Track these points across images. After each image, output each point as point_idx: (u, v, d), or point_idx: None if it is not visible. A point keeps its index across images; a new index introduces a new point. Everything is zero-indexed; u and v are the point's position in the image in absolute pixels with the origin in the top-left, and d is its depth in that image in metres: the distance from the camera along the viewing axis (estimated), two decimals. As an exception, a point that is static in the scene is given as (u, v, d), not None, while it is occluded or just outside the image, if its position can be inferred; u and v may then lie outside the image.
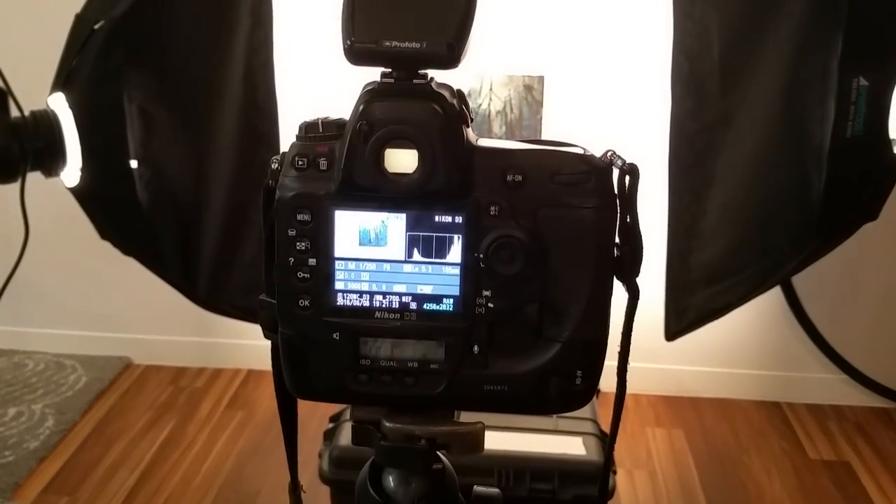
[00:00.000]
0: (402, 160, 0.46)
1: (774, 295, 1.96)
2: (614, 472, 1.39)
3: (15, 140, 1.28)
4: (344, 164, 0.47)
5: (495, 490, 0.59)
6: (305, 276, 0.49)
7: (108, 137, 1.41)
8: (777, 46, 1.28)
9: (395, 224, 0.48)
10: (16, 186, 1.29)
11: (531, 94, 1.77)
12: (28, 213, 1.33)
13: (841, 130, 1.22)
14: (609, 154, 0.49)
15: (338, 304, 0.49)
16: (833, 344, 2.00)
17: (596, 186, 0.48)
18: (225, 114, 1.45)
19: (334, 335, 0.49)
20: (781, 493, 1.71)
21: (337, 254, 0.49)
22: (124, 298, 2.12)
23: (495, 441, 1.32)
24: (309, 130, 0.48)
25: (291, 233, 0.48)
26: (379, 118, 0.46)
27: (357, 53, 0.46)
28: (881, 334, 2.01)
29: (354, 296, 0.49)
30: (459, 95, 0.48)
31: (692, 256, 1.45)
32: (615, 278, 0.50)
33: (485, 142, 0.49)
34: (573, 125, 1.79)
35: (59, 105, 1.34)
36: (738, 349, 2.04)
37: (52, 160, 1.34)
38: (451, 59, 0.46)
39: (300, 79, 1.73)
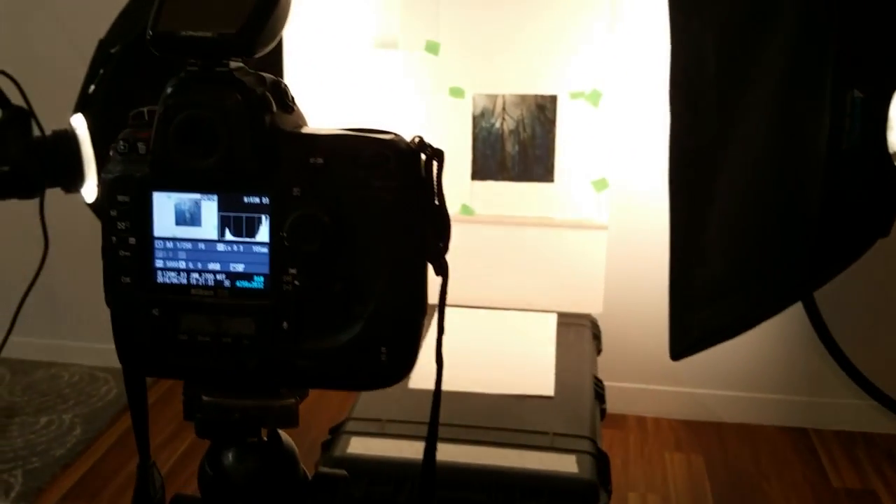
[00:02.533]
0: (201, 143, 0.49)
1: (799, 317, 1.91)
2: (608, 493, 1.37)
3: (34, 157, 1.34)
4: (153, 146, 0.49)
5: (341, 471, 0.60)
6: (126, 254, 0.51)
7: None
8: (772, 60, 1.27)
9: (207, 205, 0.51)
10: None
11: (544, 113, 1.78)
12: (65, 229, 1.40)
13: (836, 143, 1.20)
14: (416, 139, 0.50)
15: (158, 281, 0.52)
16: (861, 368, 1.94)
17: (397, 168, 0.49)
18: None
19: (154, 311, 0.52)
20: (799, 521, 1.66)
21: (156, 233, 0.51)
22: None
23: (486, 456, 1.33)
24: (136, 118, 0.51)
25: (113, 213, 0.51)
26: (179, 103, 0.49)
27: (157, 42, 0.48)
28: (913, 359, 1.95)
29: (172, 273, 0.51)
30: (274, 84, 0.51)
31: (694, 273, 1.44)
32: (427, 260, 0.51)
33: (300, 129, 0.51)
34: (587, 145, 1.79)
35: (80, 125, 1.40)
36: (764, 373, 1.99)
37: (70, 177, 1.40)
38: (243, 46, 0.48)
39: (311, 95, 1.77)
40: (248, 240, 0.51)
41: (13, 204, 1.35)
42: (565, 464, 1.34)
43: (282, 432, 0.57)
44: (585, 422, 1.42)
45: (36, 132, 1.36)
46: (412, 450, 1.33)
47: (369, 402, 1.44)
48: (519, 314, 1.78)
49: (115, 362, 2.00)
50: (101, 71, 1.46)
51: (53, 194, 1.35)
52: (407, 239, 0.50)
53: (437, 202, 0.51)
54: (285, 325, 0.51)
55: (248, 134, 0.49)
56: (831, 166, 1.20)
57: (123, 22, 1.50)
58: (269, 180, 0.50)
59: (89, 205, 1.44)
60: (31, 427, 1.95)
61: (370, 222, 0.50)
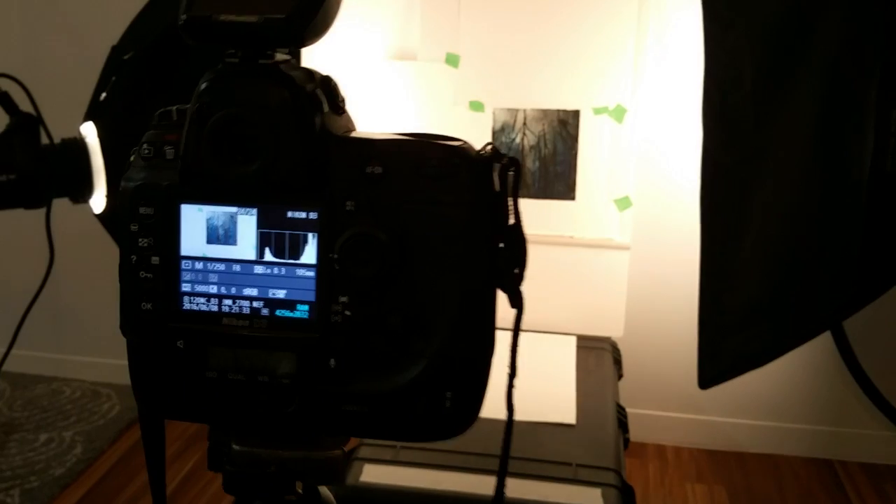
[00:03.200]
0: (241, 147, 0.42)
1: (826, 345, 1.84)
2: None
3: (42, 166, 1.30)
4: (183, 151, 0.43)
5: None
6: (148, 276, 0.45)
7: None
8: (812, 77, 1.22)
9: (245, 220, 0.44)
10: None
11: (566, 129, 1.72)
12: (70, 240, 1.35)
13: (880, 165, 1.14)
14: (488, 147, 0.44)
15: (184, 308, 0.45)
16: (890, 398, 1.87)
17: (468, 181, 0.43)
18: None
19: (178, 343, 0.45)
20: (827, 558, 1.60)
21: (183, 252, 0.45)
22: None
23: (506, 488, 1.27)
24: (162, 118, 0.45)
25: (134, 228, 0.44)
26: (216, 100, 0.42)
27: (190, 27, 0.42)
28: (944, 390, 1.88)
29: (201, 299, 0.45)
30: (324, 81, 0.45)
31: (725, 298, 1.38)
32: (497, 288, 0.45)
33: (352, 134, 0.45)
34: (610, 162, 1.74)
35: (90, 133, 1.36)
36: (788, 402, 1.93)
37: (78, 187, 1.35)
38: (291, 33, 0.42)
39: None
40: (291, 262, 0.44)
41: (18, 213, 1.30)
42: (590, 498, 1.27)
43: (321, 488, 0.50)
44: (610, 452, 1.35)
45: (44, 140, 1.32)
46: (427, 479, 1.27)
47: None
48: (537, 336, 1.72)
49: (117, 378, 1.95)
50: (113, 78, 1.42)
51: (60, 204, 1.31)
52: (478, 264, 0.43)
53: (512, 221, 0.44)
54: (332, 362, 0.44)
55: (295, 137, 0.42)
56: (874, 188, 1.15)
57: (137, 28, 1.46)
58: (318, 192, 0.43)
59: (97, 216, 1.39)
60: (30, 444, 1.89)
61: (435, 242, 0.43)
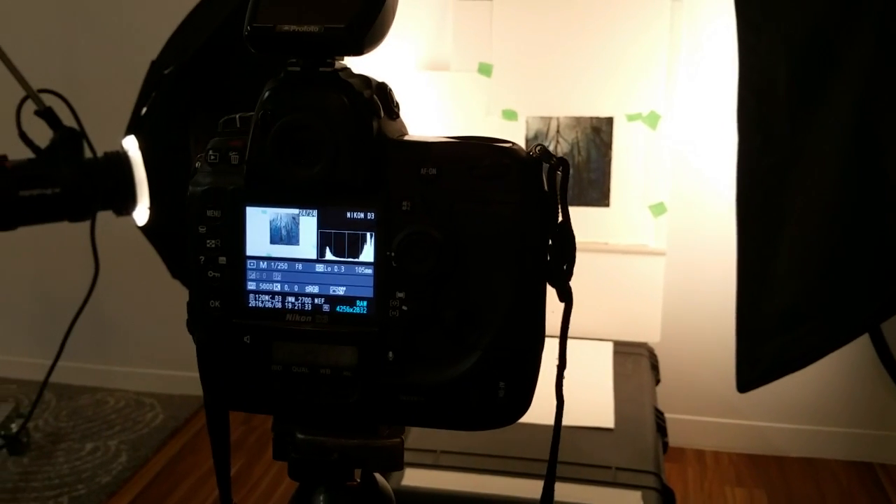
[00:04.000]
0: (303, 151, 0.44)
1: (865, 347, 1.83)
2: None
3: (86, 180, 1.33)
4: (248, 156, 0.45)
5: None
6: (216, 275, 0.47)
7: (174, 177, 1.45)
8: (847, 79, 1.22)
9: (306, 221, 0.46)
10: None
11: (599, 136, 1.73)
12: (114, 252, 1.37)
13: (918, 168, 1.14)
14: (537, 148, 0.45)
15: (249, 305, 0.47)
16: (931, 402, 1.86)
17: (518, 180, 0.44)
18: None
19: (245, 338, 0.47)
20: (870, 562, 1.58)
21: (249, 252, 0.47)
22: (202, 339, 2.16)
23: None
24: (227, 125, 0.47)
25: (202, 230, 0.46)
26: (279, 107, 0.44)
27: (255, 38, 0.44)
28: None
29: (266, 297, 0.47)
30: (380, 87, 0.46)
31: (763, 302, 1.38)
32: (546, 283, 0.46)
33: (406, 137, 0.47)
34: (644, 168, 1.75)
35: (132, 147, 1.39)
36: (827, 405, 1.92)
37: (121, 200, 1.38)
38: (351, 42, 0.44)
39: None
40: (350, 260, 0.46)
41: (62, 226, 1.33)
42: (630, 500, 1.28)
43: (378, 475, 0.52)
44: (649, 455, 1.36)
45: (88, 154, 1.35)
46: (468, 482, 1.28)
47: (423, 431, 1.40)
48: (574, 342, 1.72)
49: (160, 388, 1.97)
50: (154, 93, 1.45)
51: (103, 217, 1.34)
52: (529, 259, 0.45)
53: (561, 218, 0.46)
54: (391, 355, 0.46)
55: (355, 141, 0.44)
56: (912, 190, 1.14)
57: (176, 43, 1.49)
58: (375, 193, 0.45)
59: (140, 228, 1.42)
60: (76, 453, 1.93)
61: (488, 240, 0.44)
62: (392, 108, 0.47)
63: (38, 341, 2.21)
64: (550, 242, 0.45)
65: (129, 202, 1.37)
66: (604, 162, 1.74)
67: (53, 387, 2.21)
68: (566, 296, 0.46)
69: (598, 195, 1.75)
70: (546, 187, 0.45)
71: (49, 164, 1.28)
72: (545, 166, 0.45)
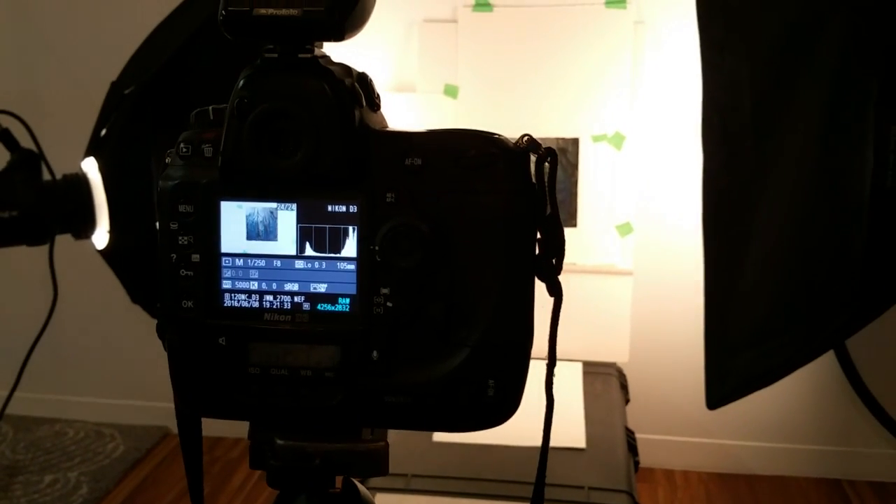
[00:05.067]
0: (282, 141, 0.43)
1: (831, 365, 1.85)
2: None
3: (44, 203, 1.30)
4: (223, 146, 0.43)
5: None
6: (189, 273, 0.45)
7: (134, 200, 1.43)
8: (810, 96, 1.23)
9: (285, 216, 0.44)
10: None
11: (565, 157, 1.74)
12: (72, 280, 1.34)
13: (880, 181, 1.15)
14: (525, 139, 0.44)
15: (224, 304, 0.45)
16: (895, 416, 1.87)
17: (506, 170, 0.43)
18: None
19: (220, 340, 0.45)
20: (841, 579, 1.58)
21: (224, 249, 0.45)
22: (164, 367, 2.11)
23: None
24: (199, 117, 0.45)
25: (174, 226, 0.44)
26: (257, 94, 0.42)
27: (231, 23, 0.42)
28: (950, 407, 1.88)
29: (243, 296, 0.45)
30: (360, 77, 0.45)
31: (731, 318, 1.38)
32: (535, 277, 0.45)
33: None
34: (610, 188, 1.75)
35: (92, 169, 1.36)
36: (796, 423, 1.92)
37: (81, 223, 1.35)
38: (332, 26, 0.42)
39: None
40: (332, 255, 0.44)
41: (15, 251, 1.30)
42: (603, 520, 1.27)
43: (357, 482, 0.50)
44: (621, 475, 1.35)
45: (46, 176, 1.32)
46: (439, 506, 1.26)
47: (394, 455, 1.38)
48: (542, 363, 1.72)
49: (121, 418, 1.93)
50: (114, 114, 1.42)
51: (61, 241, 1.31)
52: (517, 252, 0.44)
53: (550, 210, 0.44)
54: (375, 354, 0.44)
55: (336, 130, 0.42)
56: (875, 204, 1.15)
57: (137, 63, 1.47)
58: (358, 185, 0.43)
59: (100, 252, 1.39)
60: (35, 486, 1.87)
61: (473, 233, 0.43)
62: (373, 99, 0.45)
63: (-6, 372, 2.15)
64: (539, 235, 0.44)
65: (89, 225, 1.35)
66: (570, 182, 1.74)
67: (10, 418, 2.14)
68: (556, 290, 0.45)
69: (566, 216, 1.75)
70: (534, 178, 0.44)
71: (6, 187, 1.26)
72: (532, 157, 0.44)
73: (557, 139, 1.74)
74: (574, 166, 1.75)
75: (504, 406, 0.45)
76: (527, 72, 1.76)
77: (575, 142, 1.74)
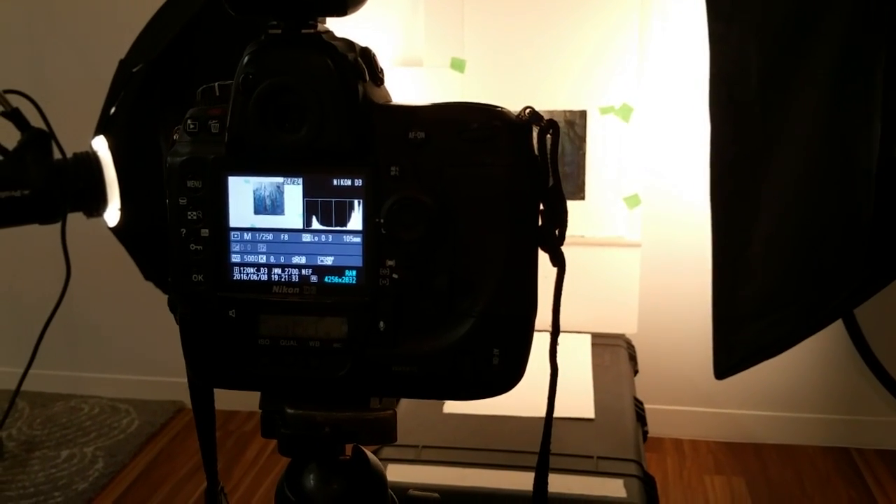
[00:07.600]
0: (287, 116, 0.43)
1: (839, 334, 1.85)
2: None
3: (55, 181, 1.31)
4: (229, 122, 0.44)
5: (434, 494, 0.55)
6: (198, 248, 0.46)
7: (145, 177, 1.43)
8: (818, 66, 1.23)
9: (291, 190, 0.45)
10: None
11: (573, 129, 1.74)
12: (84, 255, 1.35)
13: (888, 151, 1.15)
14: (527, 111, 0.45)
15: (234, 278, 0.46)
16: (905, 386, 1.88)
17: (508, 142, 0.44)
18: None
19: (230, 312, 0.46)
20: (850, 545, 1.60)
21: (232, 223, 0.46)
22: (177, 342, 2.13)
23: (529, 481, 1.27)
24: (205, 94, 0.46)
25: (182, 201, 0.45)
26: (261, 70, 0.43)
27: (234, 0, 0.43)
28: (959, 376, 1.88)
29: (251, 269, 0.46)
30: (364, 52, 0.46)
31: (739, 289, 1.38)
32: (539, 247, 0.46)
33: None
34: (618, 161, 1.75)
35: (102, 147, 1.37)
36: (804, 392, 1.94)
37: (92, 201, 1.36)
38: (335, 2, 0.43)
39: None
40: (338, 228, 0.45)
41: (30, 230, 1.31)
42: (612, 488, 1.28)
43: (367, 450, 0.52)
44: (630, 444, 1.36)
45: (57, 155, 1.33)
46: (451, 476, 1.27)
47: (404, 427, 1.39)
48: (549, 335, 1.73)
49: (135, 393, 1.95)
50: (123, 92, 1.43)
51: (73, 219, 1.32)
52: (520, 223, 0.44)
53: (552, 182, 0.45)
54: (382, 324, 0.45)
55: (341, 104, 0.43)
56: (882, 174, 1.15)
57: (144, 42, 1.47)
58: (363, 159, 0.44)
59: (111, 229, 1.41)
60: (52, 461, 1.90)
61: (476, 205, 0.44)
62: (377, 74, 0.46)
63: (9, 349, 2.17)
64: (542, 207, 0.45)
65: (100, 203, 1.36)
66: (578, 155, 1.75)
67: (26, 395, 2.17)
68: (559, 260, 0.46)
69: (573, 188, 1.76)
70: (536, 150, 0.45)
71: (17, 166, 1.27)
72: (535, 129, 0.45)
73: (565, 111, 1.74)
74: (582, 139, 1.75)
75: (509, 374, 0.46)
76: (533, 44, 1.76)
77: (583, 114, 1.74)
